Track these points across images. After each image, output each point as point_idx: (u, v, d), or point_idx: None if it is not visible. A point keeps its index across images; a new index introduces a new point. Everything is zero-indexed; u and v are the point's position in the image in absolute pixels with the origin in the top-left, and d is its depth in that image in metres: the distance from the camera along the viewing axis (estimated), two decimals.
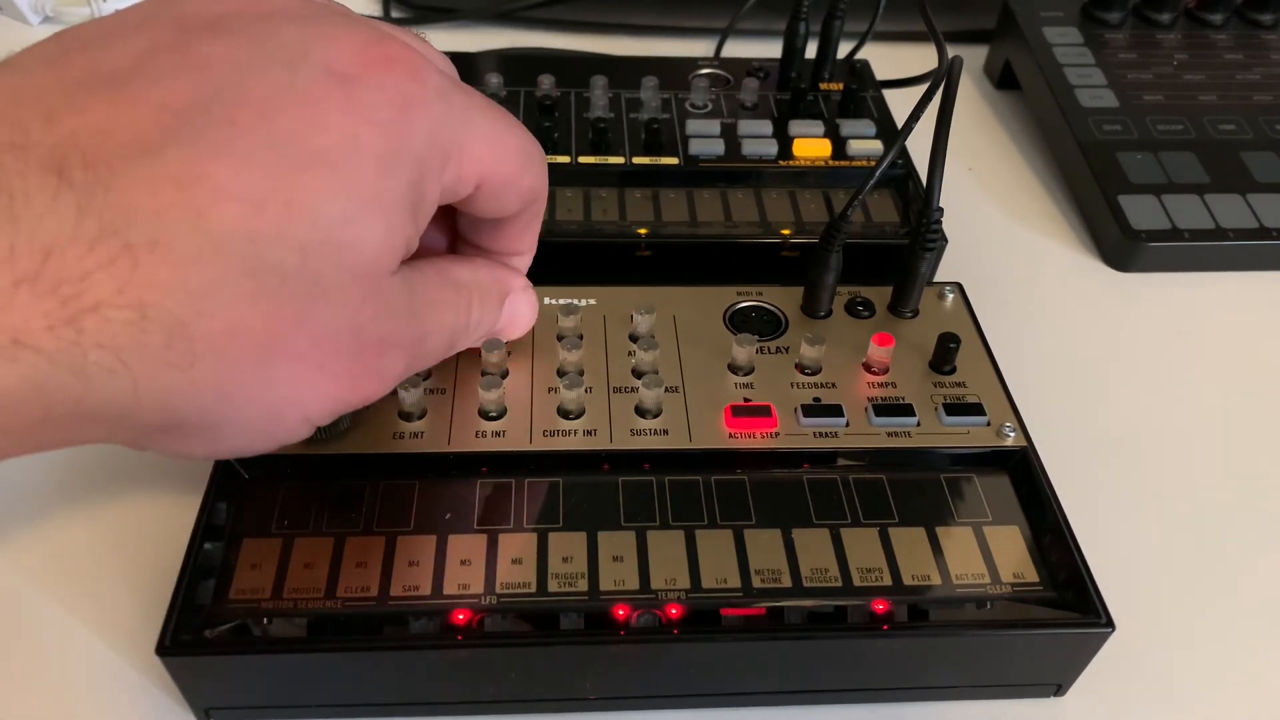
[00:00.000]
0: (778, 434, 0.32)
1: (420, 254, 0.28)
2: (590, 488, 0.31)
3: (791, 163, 0.44)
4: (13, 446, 0.21)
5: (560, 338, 0.34)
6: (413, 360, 0.26)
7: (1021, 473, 0.32)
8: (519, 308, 0.32)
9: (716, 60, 0.50)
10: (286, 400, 0.23)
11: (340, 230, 0.22)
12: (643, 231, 0.40)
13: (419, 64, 0.24)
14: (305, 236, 0.21)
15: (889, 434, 0.32)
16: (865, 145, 0.44)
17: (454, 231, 0.32)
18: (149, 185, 0.20)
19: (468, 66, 0.48)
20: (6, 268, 0.18)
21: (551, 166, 0.42)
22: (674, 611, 0.27)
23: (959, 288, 0.38)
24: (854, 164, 0.44)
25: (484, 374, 0.33)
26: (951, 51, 0.35)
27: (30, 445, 0.21)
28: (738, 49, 0.56)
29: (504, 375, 0.33)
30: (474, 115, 0.26)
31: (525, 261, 0.32)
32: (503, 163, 0.27)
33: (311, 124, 0.22)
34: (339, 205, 0.22)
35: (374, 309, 0.24)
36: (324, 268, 0.22)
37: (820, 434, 0.32)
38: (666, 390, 0.33)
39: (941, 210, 0.34)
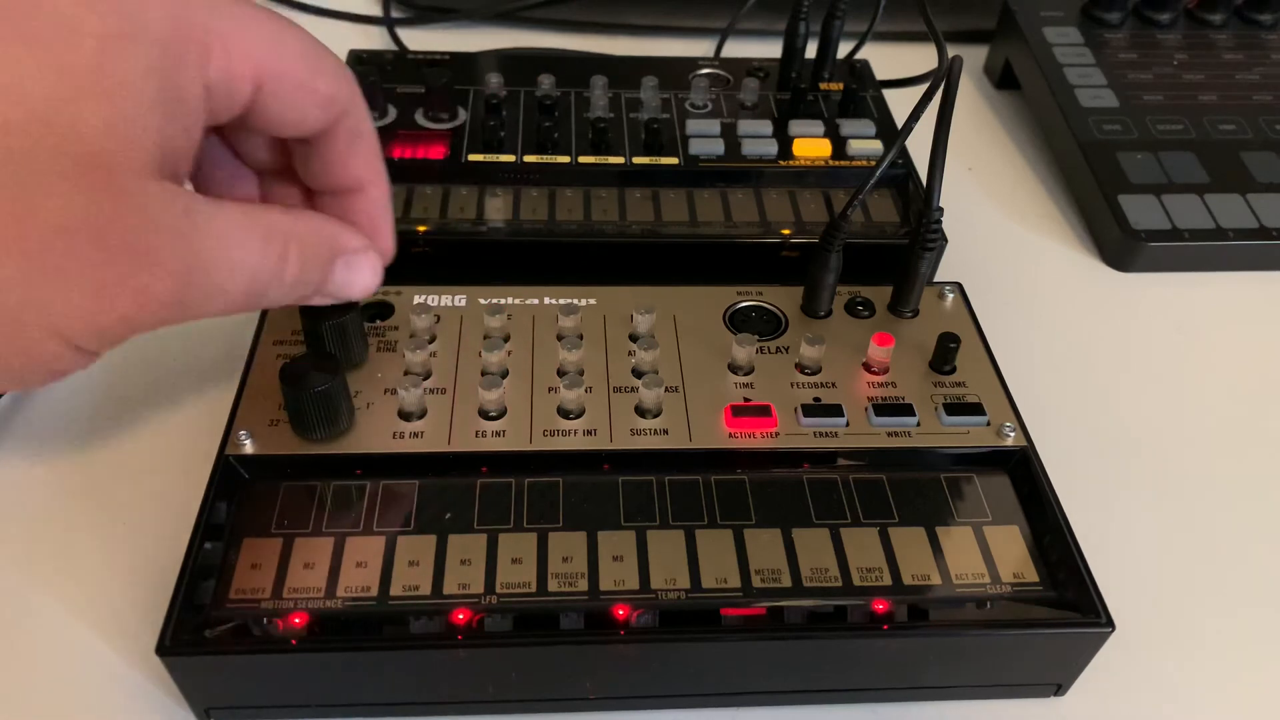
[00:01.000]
0: (778, 434, 0.32)
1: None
2: (590, 488, 0.31)
3: (791, 163, 0.44)
4: None
5: (560, 338, 0.34)
6: (187, 289, 0.24)
7: (1021, 473, 0.32)
8: (355, 272, 0.29)
9: (716, 60, 0.50)
10: (25, 305, 0.22)
11: (52, 110, 0.21)
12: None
13: None
14: (10, 115, 0.21)
15: (889, 434, 0.32)
16: (865, 145, 0.44)
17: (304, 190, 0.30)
18: None
19: (468, 66, 0.48)
20: None
21: (551, 166, 0.42)
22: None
23: (959, 288, 0.38)
24: (854, 164, 0.44)
25: (484, 374, 0.33)
26: (951, 51, 0.35)
27: None
28: (738, 49, 0.56)
29: (504, 375, 0.33)
30: (233, 8, 0.25)
31: (375, 201, 0.30)
32: (282, 60, 0.25)
33: (27, 10, 0.21)
34: (48, 83, 0.21)
35: (116, 210, 0.22)
36: (38, 151, 0.21)
37: (820, 434, 0.32)
38: (666, 390, 0.33)
39: (941, 210, 0.34)
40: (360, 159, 0.29)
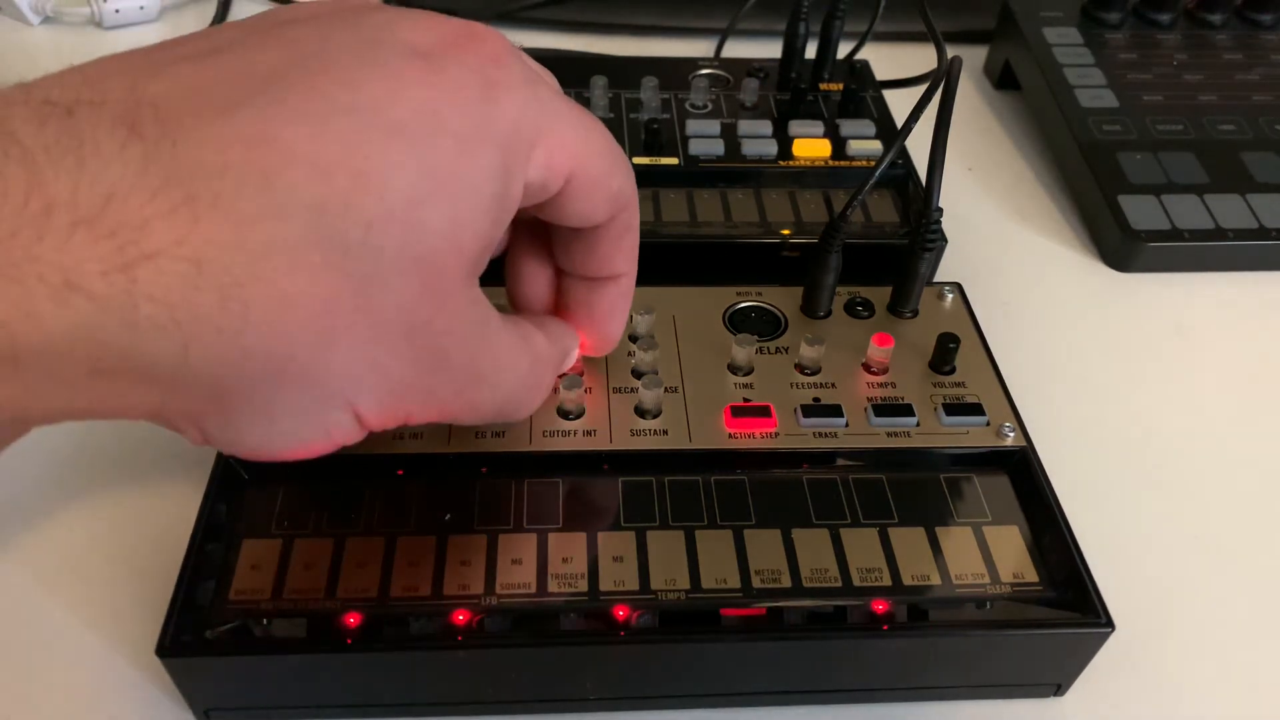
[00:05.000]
0: (777, 434, 0.32)
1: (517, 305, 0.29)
2: (590, 488, 0.31)
3: (791, 163, 0.44)
4: (65, 402, 0.20)
5: None
6: (458, 400, 0.25)
7: (1021, 473, 0.32)
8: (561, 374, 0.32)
9: (716, 60, 0.50)
10: (342, 389, 0.23)
11: (408, 209, 0.21)
12: None
13: (504, 47, 0.24)
14: (372, 211, 0.21)
15: (889, 434, 0.32)
16: (865, 145, 0.44)
17: (554, 269, 0.31)
18: (218, 143, 0.20)
19: None
20: (66, 209, 0.18)
21: None
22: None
23: (959, 288, 0.38)
24: (854, 164, 0.44)
25: None
26: (951, 51, 0.35)
27: (83, 403, 0.20)
28: (738, 49, 0.56)
29: None
30: (559, 105, 0.25)
31: (623, 289, 0.30)
32: (591, 156, 0.26)
33: (392, 95, 0.22)
34: (409, 183, 0.21)
35: (432, 311, 0.23)
36: (387, 246, 0.21)
37: (820, 434, 0.32)
38: (666, 390, 0.33)
39: (941, 210, 0.34)
40: (624, 252, 0.29)
